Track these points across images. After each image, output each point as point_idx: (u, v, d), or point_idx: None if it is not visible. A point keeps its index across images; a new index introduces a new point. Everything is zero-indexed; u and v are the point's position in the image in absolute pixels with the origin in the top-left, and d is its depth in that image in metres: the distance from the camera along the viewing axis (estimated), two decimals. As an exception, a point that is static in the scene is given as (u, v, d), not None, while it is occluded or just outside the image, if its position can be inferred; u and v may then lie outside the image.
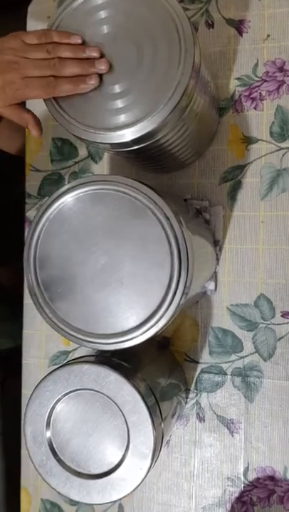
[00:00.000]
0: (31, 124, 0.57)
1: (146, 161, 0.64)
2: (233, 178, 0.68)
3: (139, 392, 0.51)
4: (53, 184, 0.77)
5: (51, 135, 0.77)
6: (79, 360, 0.54)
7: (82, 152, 0.76)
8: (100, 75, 0.52)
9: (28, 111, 0.57)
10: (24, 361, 0.77)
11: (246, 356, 0.67)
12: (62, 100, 0.53)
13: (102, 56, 0.52)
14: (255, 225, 0.67)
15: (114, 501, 0.59)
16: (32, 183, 0.78)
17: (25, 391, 0.76)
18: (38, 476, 0.53)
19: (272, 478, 0.65)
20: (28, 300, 0.77)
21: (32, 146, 0.79)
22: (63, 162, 0.77)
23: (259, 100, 0.67)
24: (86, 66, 0.51)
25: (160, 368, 0.65)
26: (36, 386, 0.53)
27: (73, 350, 0.74)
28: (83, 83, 0.51)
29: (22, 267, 0.52)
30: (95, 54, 0.51)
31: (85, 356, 0.56)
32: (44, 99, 0.53)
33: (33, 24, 0.78)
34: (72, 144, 0.76)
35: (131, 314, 0.49)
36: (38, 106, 0.57)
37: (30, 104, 0.73)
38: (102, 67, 0.51)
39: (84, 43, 0.52)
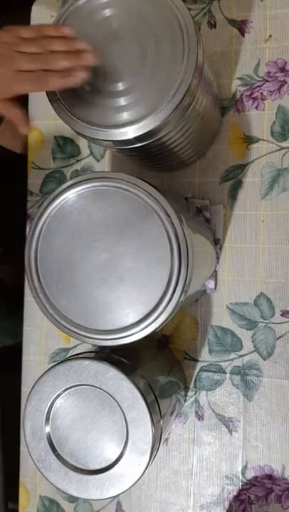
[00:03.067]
0: (19, 120, 0.56)
1: (148, 159, 0.65)
2: (234, 177, 0.69)
3: (139, 389, 0.51)
4: (54, 182, 0.77)
5: (54, 133, 0.77)
6: (79, 356, 0.54)
7: (84, 150, 0.76)
8: (104, 73, 0.52)
9: (18, 107, 0.56)
10: (24, 358, 0.77)
11: (245, 355, 0.67)
12: (65, 97, 0.53)
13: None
14: (256, 224, 0.68)
15: (113, 497, 0.59)
16: (34, 180, 0.78)
17: (25, 388, 0.76)
18: (37, 473, 0.53)
19: (270, 476, 0.65)
20: (28, 297, 0.77)
21: (34, 144, 0.79)
22: (65, 160, 0.77)
23: (260, 100, 0.68)
24: (74, 58, 0.50)
25: (160, 366, 0.65)
26: (36, 381, 0.53)
27: (73, 347, 0.74)
28: (71, 76, 0.50)
29: (23, 264, 0.53)
30: (84, 46, 0.51)
31: (85, 352, 0.57)
32: (48, 96, 0.53)
33: (37, 23, 0.79)
34: (75, 142, 0.76)
35: (130, 311, 0.49)
36: (40, 103, 0.57)
37: (34, 101, 0.73)
38: (89, 58, 0.50)
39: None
